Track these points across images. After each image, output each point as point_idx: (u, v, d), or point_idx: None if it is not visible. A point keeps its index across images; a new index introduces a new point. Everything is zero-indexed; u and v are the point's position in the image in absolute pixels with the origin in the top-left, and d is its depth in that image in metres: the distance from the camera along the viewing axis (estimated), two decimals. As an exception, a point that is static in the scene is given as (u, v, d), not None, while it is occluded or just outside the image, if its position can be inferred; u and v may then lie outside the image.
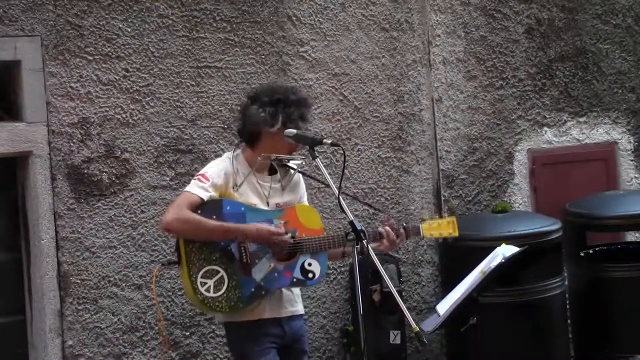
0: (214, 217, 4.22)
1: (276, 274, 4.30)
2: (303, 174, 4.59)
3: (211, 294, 4.22)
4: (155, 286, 4.91)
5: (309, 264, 4.37)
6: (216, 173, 4.30)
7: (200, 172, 4.35)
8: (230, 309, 4.25)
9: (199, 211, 4.21)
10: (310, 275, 4.37)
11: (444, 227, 4.53)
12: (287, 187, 4.47)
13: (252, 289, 4.27)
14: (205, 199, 4.22)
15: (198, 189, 4.24)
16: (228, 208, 4.26)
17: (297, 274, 4.35)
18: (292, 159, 4.40)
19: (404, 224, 4.54)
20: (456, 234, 4.56)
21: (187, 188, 4.28)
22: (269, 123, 4.32)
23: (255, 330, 4.31)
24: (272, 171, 4.46)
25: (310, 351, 6.15)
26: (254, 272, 4.26)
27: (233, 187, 4.31)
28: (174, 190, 5.75)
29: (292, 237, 4.32)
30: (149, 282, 5.58)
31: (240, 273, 4.25)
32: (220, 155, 5.71)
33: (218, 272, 4.24)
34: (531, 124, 7.00)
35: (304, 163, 4.35)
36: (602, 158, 7.25)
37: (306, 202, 4.59)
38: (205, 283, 4.22)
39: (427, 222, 4.54)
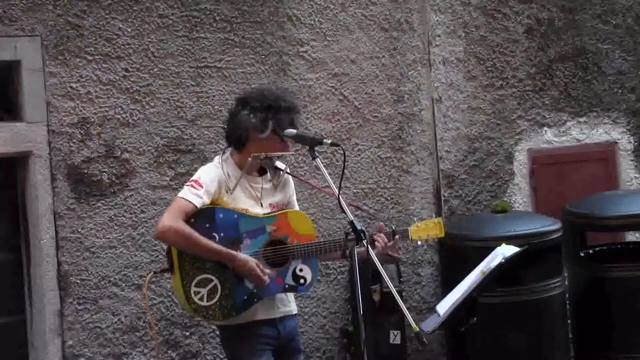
0: (207, 225, 4.22)
1: (268, 280, 4.30)
2: (292, 175, 4.59)
3: (204, 303, 4.22)
4: (148, 292, 4.89)
5: (300, 270, 4.38)
6: (210, 179, 4.30)
7: (194, 177, 4.33)
8: (223, 317, 4.27)
9: (192, 220, 4.20)
10: (302, 281, 4.38)
11: (430, 229, 4.57)
12: (278, 185, 4.47)
13: (245, 297, 4.28)
14: (199, 206, 4.22)
15: (192, 195, 4.23)
16: (221, 216, 4.27)
17: (289, 280, 4.36)
18: (282, 156, 4.40)
19: (393, 228, 4.55)
20: (442, 234, 4.61)
21: (181, 194, 4.27)
22: (259, 129, 4.32)
23: (249, 332, 4.31)
24: (261, 172, 4.47)
25: (310, 351, 6.15)
26: (246, 279, 4.27)
27: (227, 191, 4.31)
28: (174, 190, 5.74)
29: (284, 243, 4.34)
30: (142, 287, 5.58)
31: (233, 281, 4.26)
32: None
33: (211, 280, 4.24)
34: (531, 124, 7.00)
35: (293, 159, 4.35)
36: (602, 158, 7.25)
37: (295, 201, 4.60)
38: (199, 292, 4.22)
39: (415, 225, 4.57)
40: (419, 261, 6.54)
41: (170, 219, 4.19)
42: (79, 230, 5.53)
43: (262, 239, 4.32)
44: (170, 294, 5.74)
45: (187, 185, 4.29)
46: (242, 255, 4.25)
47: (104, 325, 5.58)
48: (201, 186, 4.26)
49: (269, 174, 4.46)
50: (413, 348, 6.29)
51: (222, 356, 5.82)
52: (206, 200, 4.26)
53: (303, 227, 4.41)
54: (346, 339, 6.18)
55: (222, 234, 4.24)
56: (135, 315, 5.66)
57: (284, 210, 4.42)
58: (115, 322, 5.62)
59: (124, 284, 5.63)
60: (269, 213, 4.39)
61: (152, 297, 5.66)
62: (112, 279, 5.61)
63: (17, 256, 5.59)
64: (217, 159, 4.44)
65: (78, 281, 5.53)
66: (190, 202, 4.22)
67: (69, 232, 5.50)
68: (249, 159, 4.33)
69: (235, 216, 4.29)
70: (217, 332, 5.76)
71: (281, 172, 4.48)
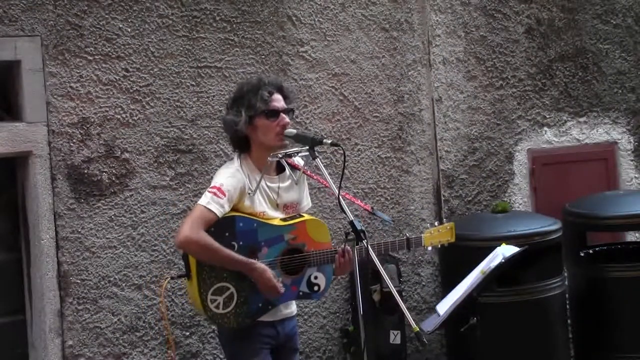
0: (227, 234, 4.21)
1: (283, 289, 4.31)
2: (309, 175, 4.56)
3: (220, 311, 4.23)
4: (163, 298, 4.89)
5: (315, 277, 4.39)
6: (232, 186, 4.24)
7: (216, 183, 4.26)
8: (237, 324, 4.27)
9: (212, 228, 4.19)
10: (315, 288, 4.39)
11: (443, 235, 4.58)
12: (299, 182, 4.46)
13: (260, 304, 4.28)
14: (220, 216, 4.20)
15: (214, 204, 4.18)
16: (241, 224, 4.25)
17: (304, 287, 4.37)
18: (299, 152, 4.36)
19: (407, 235, 4.53)
20: (453, 239, 4.62)
21: (203, 202, 4.21)
22: (236, 122, 4.31)
23: (249, 332, 4.31)
24: (279, 170, 4.45)
25: (310, 351, 6.15)
26: (260, 290, 4.28)
27: (247, 193, 4.29)
28: (174, 190, 5.75)
29: (301, 251, 4.34)
30: (155, 295, 5.60)
31: (248, 289, 4.26)
32: (220, 156, 5.77)
33: (228, 288, 4.24)
34: (531, 124, 7.00)
35: (308, 154, 4.31)
36: (602, 158, 7.25)
37: (308, 196, 4.58)
38: (215, 300, 4.22)
39: (428, 232, 4.56)
40: (419, 261, 6.54)
41: (192, 230, 4.15)
42: (79, 230, 5.53)
43: (279, 247, 4.32)
44: (170, 294, 5.74)
45: (210, 192, 4.22)
46: (259, 264, 4.24)
47: (104, 325, 5.58)
48: (224, 194, 4.21)
49: (287, 172, 4.44)
50: (413, 348, 6.29)
51: (222, 356, 5.82)
52: (227, 209, 4.22)
53: (320, 235, 4.40)
54: (346, 339, 6.18)
55: (240, 242, 4.24)
56: (135, 315, 5.66)
57: (303, 219, 4.41)
58: (115, 322, 5.62)
59: (124, 284, 5.63)
60: (287, 220, 4.38)
61: (152, 297, 5.66)
62: (112, 279, 5.61)
63: (17, 256, 5.59)
64: (236, 159, 4.40)
65: (78, 281, 5.52)
66: (212, 211, 4.18)
67: (69, 232, 5.50)
68: (268, 158, 4.29)
69: (255, 225, 4.28)
70: (217, 332, 5.79)
71: (299, 169, 4.46)
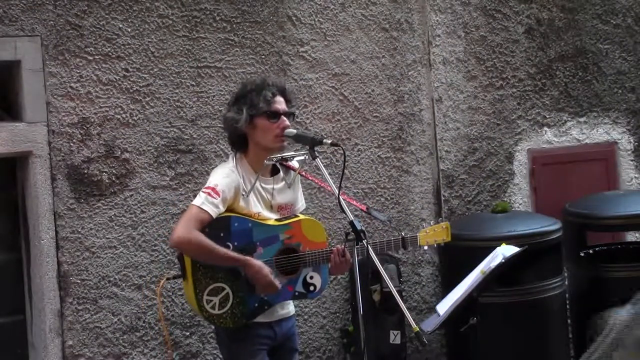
0: (222, 234, 4.21)
1: (280, 285, 4.31)
2: (306, 177, 4.57)
3: (216, 311, 4.23)
4: (161, 297, 4.89)
5: (311, 277, 4.39)
6: (227, 186, 4.25)
7: (211, 183, 4.27)
8: (234, 324, 4.27)
9: (207, 229, 4.19)
10: (311, 288, 4.40)
11: (438, 234, 4.57)
12: (292, 184, 4.46)
13: (256, 304, 4.29)
14: (215, 216, 4.20)
15: (209, 205, 4.19)
16: (236, 225, 4.26)
17: (299, 287, 4.38)
18: (296, 156, 4.38)
19: (403, 234, 4.53)
20: (449, 239, 4.60)
21: (197, 202, 4.22)
22: (236, 120, 4.32)
23: (246, 332, 4.32)
24: (273, 171, 4.45)
25: (310, 351, 6.15)
26: (257, 288, 4.28)
27: (242, 195, 4.30)
28: (174, 190, 5.75)
29: (296, 251, 4.34)
30: (155, 295, 5.60)
31: (244, 289, 4.26)
32: (220, 156, 5.77)
33: (224, 289, 4.25)
34: (531, 124, 7.00)
35: (306, 158, 4.32)
36: (602, 158, 7.25)
37: (301, 196, 4.59)
38: (211, 300, 4.23)
39: (424, 231, 4.55)
40: (419, 261, 6.54)
41: (185, 229, 4.16)
42: (79, 230, 5.53)
43: (275, 247, 4.32)
44: (170, 294, 5.74)
45: (204, 192, 4.23)
46: (255, 261, 4.25)
47: (104, 325, 5.58)
48: (218, 194, 4.22)
49: (281, 173, 4.45)
50: (413, 348, 6.29)
51: (222, 356, 5.82)
52: (222, 209, 4.23)
53: (316, 235, 4.40)
54: (346, 339, 6.18)
55: (235, 243, 4.25)
56: (135, 315, 5.66)
57: (299, 218, 4.41)
58: (115, 322, 5.62)
59: (124, 284, 5.63)
60: (283, 220, 4.38)
61: (152, 297, 5.66)
62: (112, 279, 5.61)
63: (17, 256, 5.59)
64: (231, 160, 4.40)
65: (78, 281, 5.53)
66: (207, 211, 4.19)
67: (69, 232, 5.50)
68: (265, 161, 4.31)
69: (250, 225, 4.28)
70: (215, 332, 5.79)
71: (293, 171, 4.47)
